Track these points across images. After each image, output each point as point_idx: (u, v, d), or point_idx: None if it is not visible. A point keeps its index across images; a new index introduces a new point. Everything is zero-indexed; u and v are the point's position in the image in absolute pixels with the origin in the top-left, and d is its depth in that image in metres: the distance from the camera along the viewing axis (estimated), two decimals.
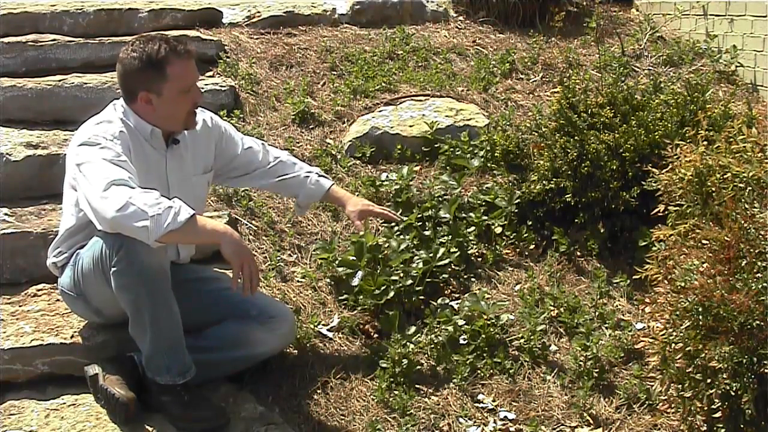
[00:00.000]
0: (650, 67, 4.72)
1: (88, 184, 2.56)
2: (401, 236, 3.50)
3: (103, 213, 2.49)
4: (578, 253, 3.55)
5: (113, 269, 2.58)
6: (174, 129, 2.84)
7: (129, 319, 2.67)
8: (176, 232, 2.47)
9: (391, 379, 2.99)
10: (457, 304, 3.29)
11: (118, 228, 2.49)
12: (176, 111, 2.79)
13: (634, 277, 3.13)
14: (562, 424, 2.92)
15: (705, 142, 2.92)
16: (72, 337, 2.89)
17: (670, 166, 2.91)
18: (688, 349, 2.52)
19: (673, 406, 2.68)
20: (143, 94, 2.75)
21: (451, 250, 3.42)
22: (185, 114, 2.81)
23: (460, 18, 5.28)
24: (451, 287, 3.40)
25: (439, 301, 3.30)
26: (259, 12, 4.94)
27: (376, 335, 3.20)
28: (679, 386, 2.59)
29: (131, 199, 2.46)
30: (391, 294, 3.24)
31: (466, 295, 3.34)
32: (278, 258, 3.42)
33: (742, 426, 2.49)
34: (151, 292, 2.59)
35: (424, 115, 4.15)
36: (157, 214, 2.45)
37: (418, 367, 3.05)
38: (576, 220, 3.55)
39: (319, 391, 2.95)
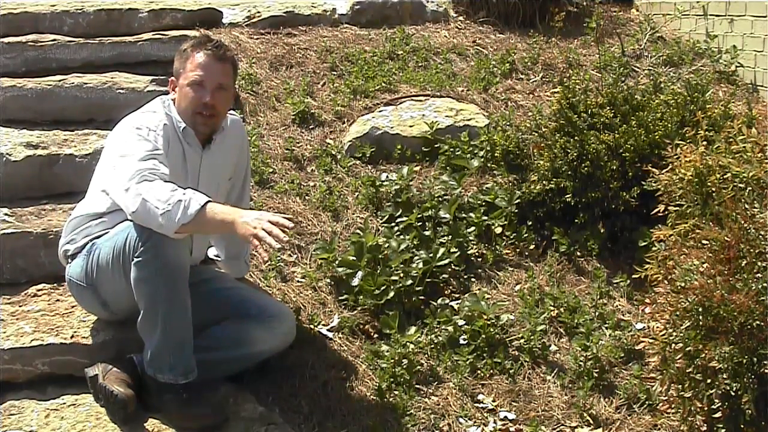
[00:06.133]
0: (650, 67, 4.72)
1: (117, 177, 2.65)
2: (401, 236, 3.50)
3: (125, 208, 2.62)
4: (578, 253, 3.55)
5: (136, 260, 2.60)
6: (189, 125, 2.85)
7: (141, 312, 2.67)
8: (190, 224, 2.54)
9: (391, 379, 2.99)
10: (457, 304, 3.29)
11: (141, 222, 2.59)
12: (185, 103, 2.85)
13: (634, 277, 3.13)
14: (562, 424, 2.92)
15: (705, 143, 2.93)
16: (72, 337, 2.89)
17: (670, 166, 2.91)
18: (688, 349, 2.52)
19: (673, 406, 2.68)
20: (172, 79, 2.91)
21: (451, 250, 3.42)
22: (192, 110, 2.83)
23: (460, 18, 5.28)
24: (451, 287, 3.40)
25: (439, 301, 3.30)
26: (259, 12, 4.94)
27: (376, 335, 3.20)
28: (679, 386, 2.59)
29: (146, 196, 2.54)
30: (391, 294, 3.24)
31: (466, 295, 3.34)
32: (278, 258, 3.41)
33: (742, 426, 2.49)
34: (169, 288, 2.61)
35: (424, 115, 4.14)
36: (167, 210, 2.51)
37: (418, 367, 3.05)
38: (576, 220, 3.55)
39: (319, 391, 2.95)
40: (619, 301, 3.37)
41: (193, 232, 2.66)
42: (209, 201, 2.56)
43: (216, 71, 2.83)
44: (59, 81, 3.99)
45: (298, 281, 3.37)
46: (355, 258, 3.36)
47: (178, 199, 2.52)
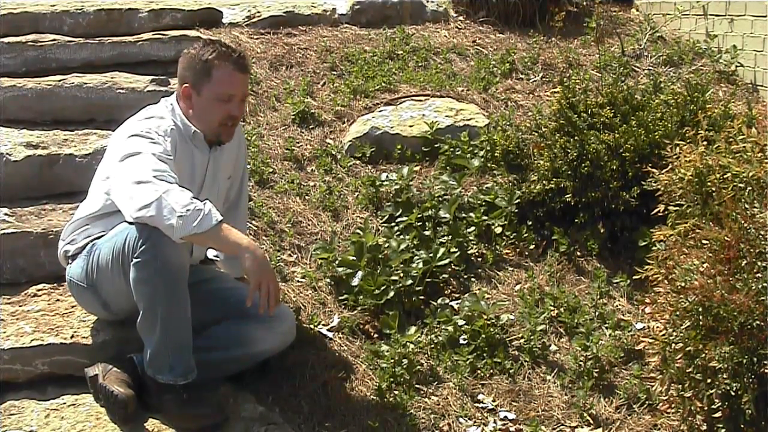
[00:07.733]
0: (650, 67, 4.72)
1: (128, 172, 2.61)
2: (401, 236, 3.50)
3: (135, 202, 2.55)
4: (578, 253, 3.55)
5: (135, 260, 2.59)
6: (207, 134, 2.86)
7: (140, 313, 2.67)
8: (200, 236, 2.54)
9: (391, 379, 2.99)
10: (457, 304, 3.29)
11: (147, 218, 2.54)
12: (209, 116, 2.83)
13: (634, 277, 3.13)
14: (562, 424, 2.92)
15: (705, 142, 2.93)
16: (72, 337, 2.89)
17: (670, 166, 2.91)
18: (688, 349, 2.52)
19: (673, 406, 2.68)
20: (186, 87, 2.84)
21: (451, 250, 3.42)
22: (217, 123, 2.84)
23: (460, 18, 5.28)
24: (451, 287, 3.40)
25: (439, 301, 3.30)
26: (259, 12, 4.94)
27: (376, 335, 3.20)
28: (679, 386, 2.59)
29: (165, 194, 2.52)
30: (391, 294, 3.24)
31: (466, 295, 3.34)
32: (278, 258, 3.42)
33: (742, 426, 2.49)
34: (168, 289, 2.61)
35: (424, 115, 4.15)
36: (184, 215, 2.50)
37: (418, 367, 3.05)
38: (576, 220, 3.55)
39: (319, 391, 2.95)
40: (619, 301, 3.37)
41: (197, 243, 2.69)
42: (224, 220, 2.58)
43: (242, 84, 2.87)
44: (59, 81, 3.99)
45: (298, 281, 3.37)
46: (355, 258, 3.36)
47: (198, 208, 2.53)
